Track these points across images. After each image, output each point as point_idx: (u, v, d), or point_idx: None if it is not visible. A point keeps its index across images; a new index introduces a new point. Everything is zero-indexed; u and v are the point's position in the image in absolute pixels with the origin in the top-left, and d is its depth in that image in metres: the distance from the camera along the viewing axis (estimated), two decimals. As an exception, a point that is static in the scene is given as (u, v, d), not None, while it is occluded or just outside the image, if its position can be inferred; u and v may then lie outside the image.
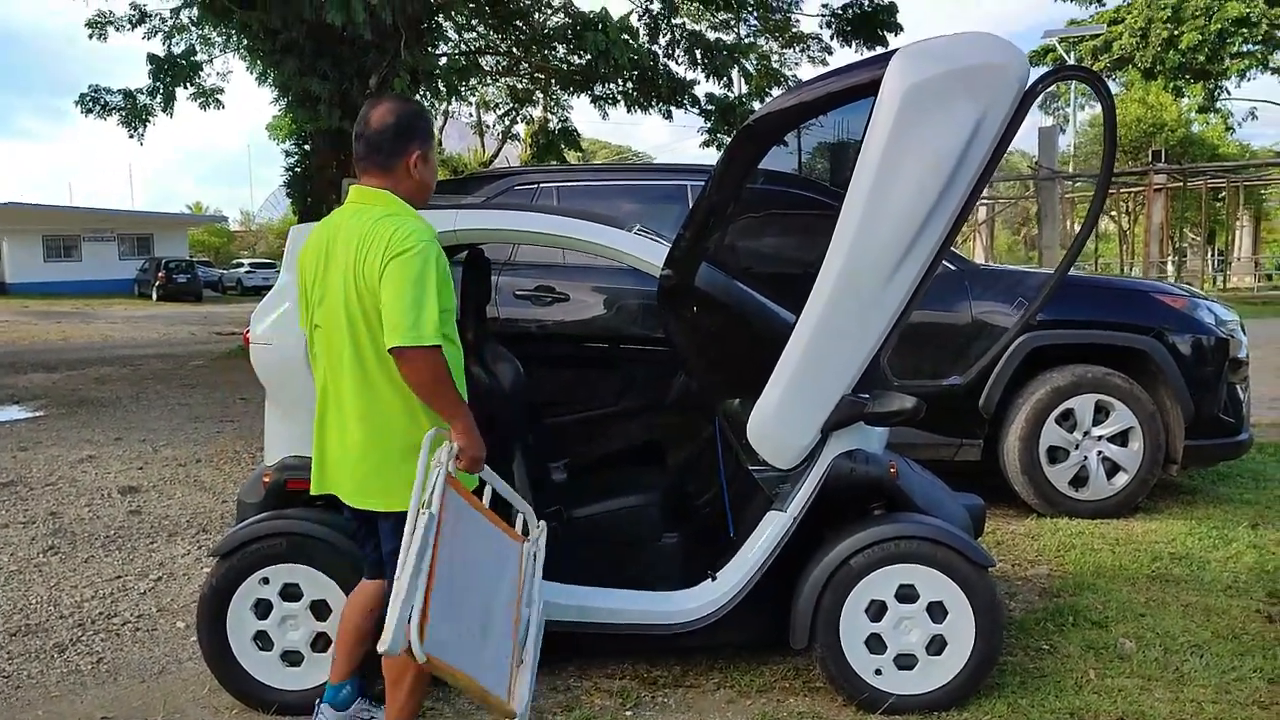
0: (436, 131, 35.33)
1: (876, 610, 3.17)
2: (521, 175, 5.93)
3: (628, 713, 3.24)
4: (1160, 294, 5.63)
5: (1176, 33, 34.44)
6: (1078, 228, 39.19)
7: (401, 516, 2.47)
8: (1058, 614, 3.96)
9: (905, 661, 3.17)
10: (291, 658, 3.24)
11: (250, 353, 3.52)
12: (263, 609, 3.23)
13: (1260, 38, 35.11)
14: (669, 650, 3.56)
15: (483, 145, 35.32)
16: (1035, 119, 37.78)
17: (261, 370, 3.48)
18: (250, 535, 3.23)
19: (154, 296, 36.96)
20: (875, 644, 3.17)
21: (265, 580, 3.22)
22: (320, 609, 3.22)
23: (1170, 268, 28.34)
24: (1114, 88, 41.45)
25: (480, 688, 2.41)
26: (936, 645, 3.16)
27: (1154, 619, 3.92)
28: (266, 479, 3.40)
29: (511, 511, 3.48)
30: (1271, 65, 38.07)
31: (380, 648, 2.21)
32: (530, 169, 6.95)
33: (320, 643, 3.23)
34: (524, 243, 3.68)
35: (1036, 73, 2.92)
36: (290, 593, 3.23)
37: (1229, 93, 38.23)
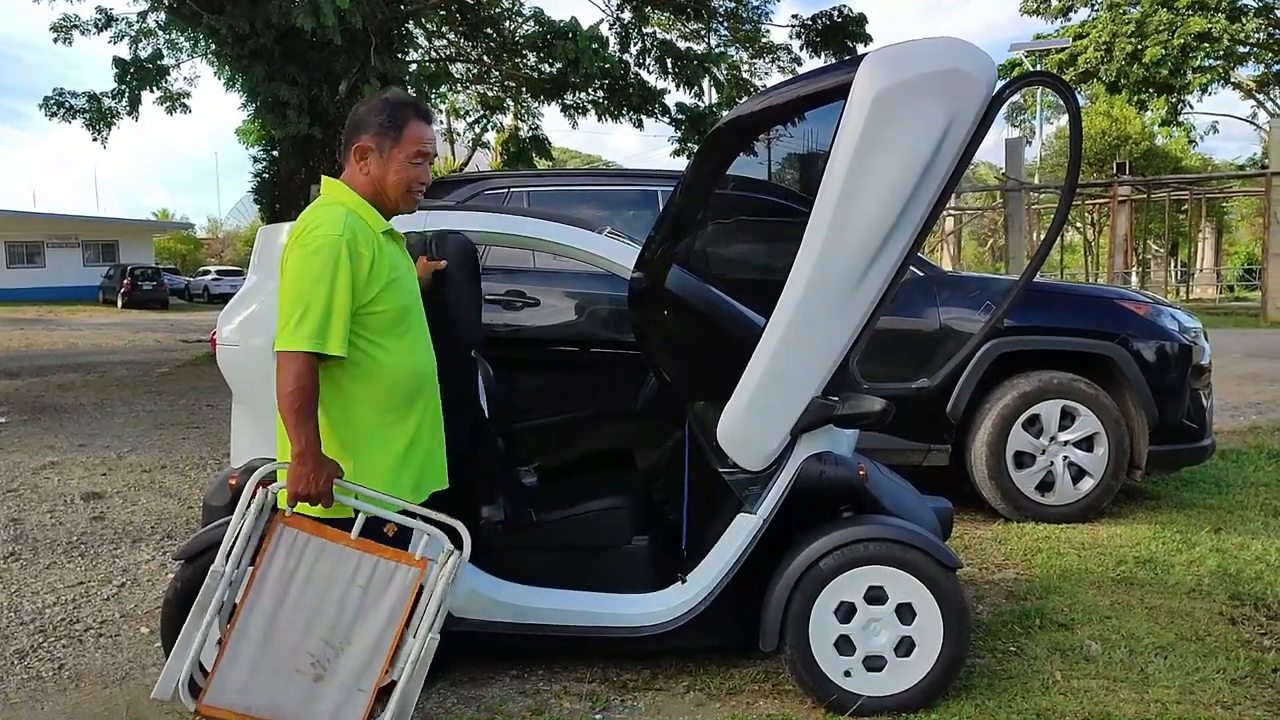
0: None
1: (845, 612, 3.18)
2: (492, 179, 5.91)
3: (596, 716, 3.23)
4: (1125, 301, 5.70)
5: (1140, 47, 35.03)
6: (1041, 238, 39.69)
7: None
8: (1024, 617, 4.00)
9: (874, 663, 3.18)
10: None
11: (217, 355, 3.48)
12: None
13: (1221, 52, 35.78)
14: (639, 654, 3.55)
15: (453, 153, 35.26)
16: (1002, 131, 38.18)
17: (228, 372, 3.45)
18: (215, 538, 3.17)
19: (119, 304, 36.51)
20: (844, 646, 3.18)
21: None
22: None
23: (1134, 279, 28.69)
24: (1079, 101, 41.96)
25: None
26: (905, 647, 3.18)
27: (1119, 621, 3.96)
28: (232, 481, 3.37)
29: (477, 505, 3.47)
30: (1233, 80, 38.78)
31: (153, 693, 2.45)
32: (501, 173, 6.95)
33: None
34: (496, 244, 3.68)
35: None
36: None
37: (1191, 106, 38.96)
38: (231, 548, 2.56)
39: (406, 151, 2.62)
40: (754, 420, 3.18)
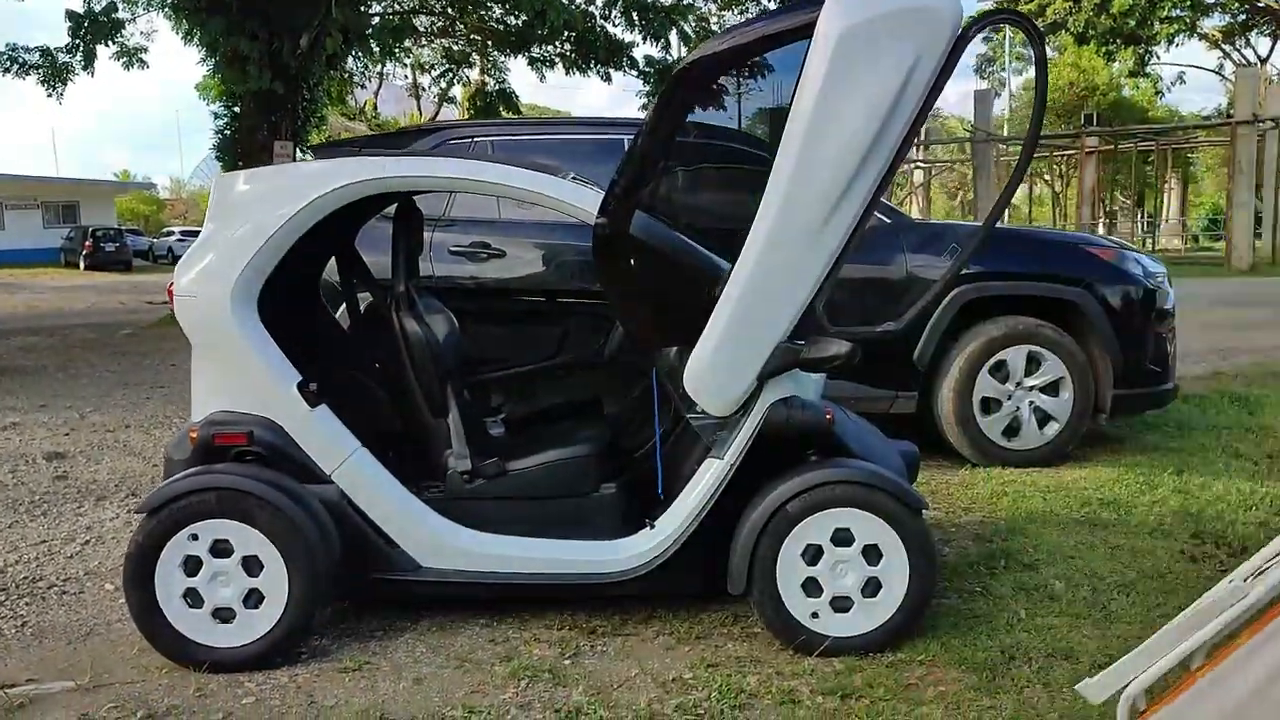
0: (372, 95, 34.64)
1: (813, 554, 3.19)
2: (456, 129, 5.82)
3: (566, 661, 3.24)
4: (1090, 246, 5.73)
5: (1108, -3, 34.98)
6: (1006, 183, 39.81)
7: None
8: (990, 558, 4.04)
9: (841, 604, 3.21)
10: (223, 614, 3.17)
11: (174, 306, 3.42)
12: (192, 566, 3.16)
13: (1189, 3, 35.80)
14: (608, 599, 3.56)
15: (419, 109, 34.79)
16: (971, 83, 38.12)
17: (187, 323, 3.39)
18: (178, 491, 3.15)
19: (81, 266, 35.93)
20: (811, 587, 3.20)
21: (194, 536, 3.15)
22: (252, 565, 3.16)
23: (1101, 230, 28.89)
24: (1048, 52, 42.00)
25: None
26: (872, 587, 3.20)
27: (1083, 561, 4.01)
28: (193, 434, 3.32)
29: (444, 456, 3.46)
30: (1199, 31, 38.87)
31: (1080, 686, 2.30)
32: (464, 123, 6.85)
33: (253, 599, 3.17)
34: (459, 190, 3.63)
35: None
36: (220, 549, 3.16)
37: (1158, 57, 39.06)
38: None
39: None
40: (720, 366, 3.16)
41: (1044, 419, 5.45)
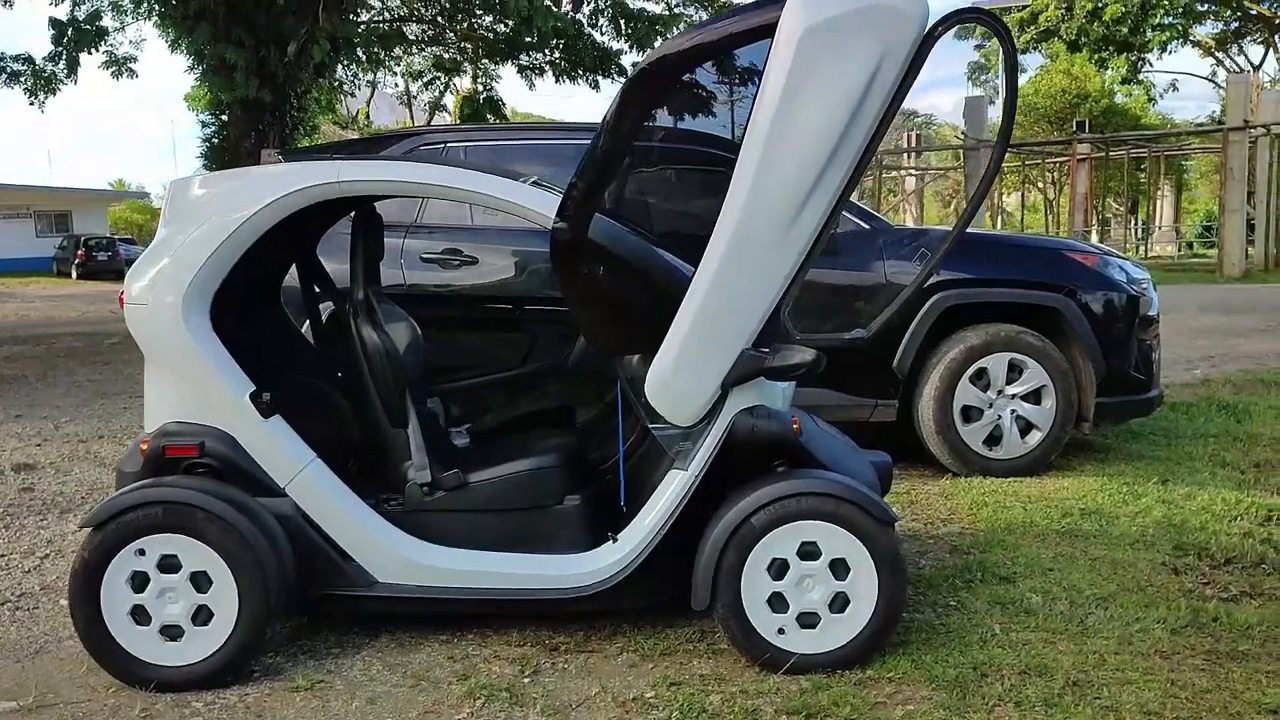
0: (364, 104, 34.54)
1: (779, 568, 3.10)
2: (428, 134, 5.74)
3: (526, 680, 3.14)
4: (1072, 252, 5.65)
5: (1100, 5, 35.04)
6: (1004, 198, 39.72)
7: None
8: (966, 570, 3.95)
9: (808, 620, 3.11)
10: (171, 632, 3.08)
11: (126, 315, 3.33)
12: (139, 582, 3.06)
13: (1181, 10, 35.84)
14: (572, 615, 3.47)
15: (411, 117, 34.73)
16: (964, 90, 38.15)
17: (138, 332, 3.30)
18: (124, 505, 3.06)
19: (74, 275, 35.79)
20: (778, 603, 3.11)
21: (141, 551, 3.05)
22: (200, 580, 3.07)
23: (1094, 237, 28.85)
24: (1039, 59, 42.23)
25: None
26: (839, 603, 3.11)
27: (1061, 573, 3.92)
28: (144, 446, 3.23)
29: (403, 467, 3.38)
30: (1192, 38, 38.93)
31: None
32: (437, 128, 6.78)
33: (201, 616, 3.07)
34: (412, 195, 3.54)
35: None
36: (168, 564, 3.06)
37: (1151, 65, 39.10)
38: None
39: None
40: (682, 374, 3.08)
41: (1026, 428, 5.36)
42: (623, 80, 17.13)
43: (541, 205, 3.19)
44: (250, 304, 3.61)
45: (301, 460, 3.26)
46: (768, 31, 2.84)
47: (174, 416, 3.27)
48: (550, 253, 3.08)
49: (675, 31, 16.54)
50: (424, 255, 5.17)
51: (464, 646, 3.38)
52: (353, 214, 3.65)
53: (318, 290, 3.95)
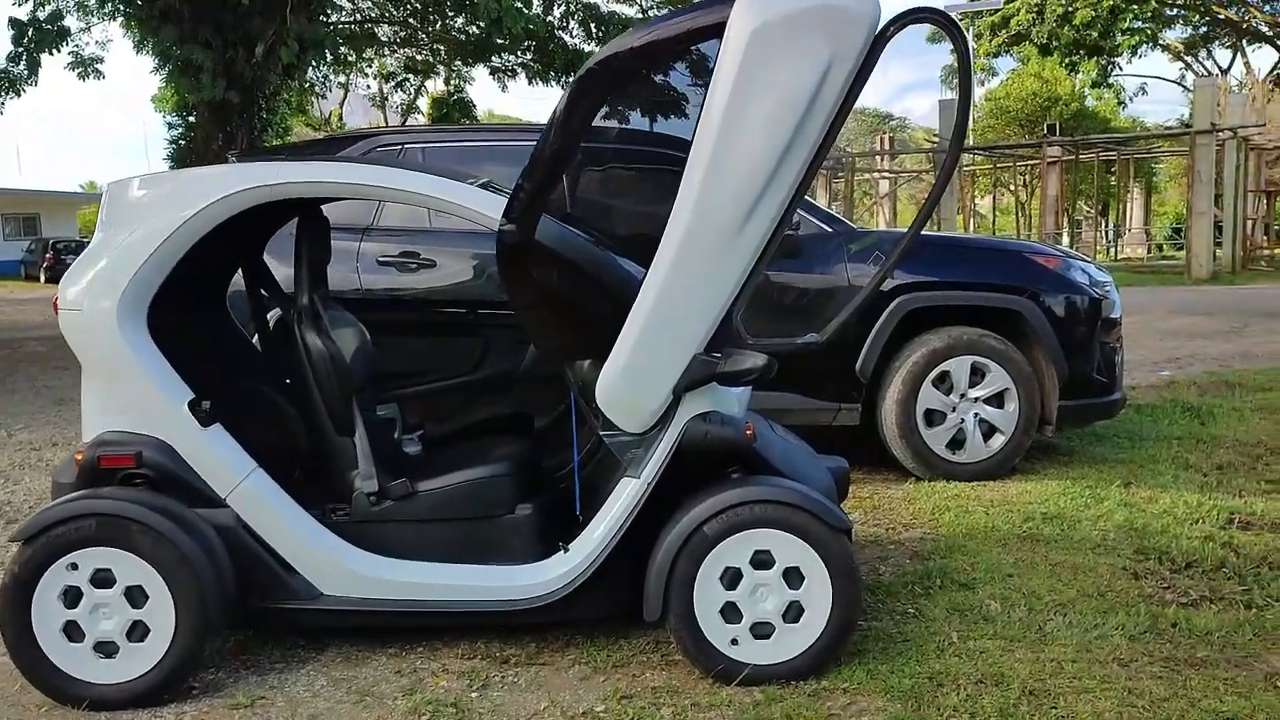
0: (337, 105, 34.31)
1: (731, 578, 3.04)
2: (384, 136, 5.64)
3: (473, 694, 3.06)
4: (1034, 254, 5.63)
5: (1071, 9, 35.29)
6: (976, 201, 39.95)
7: None
8: (926, 577, 3.90)
9: (762, 630, 3.05)
10: (105, 648, 2.98)
11: (60, 321, 3.23)
12: (71, 597, 2.97)
13: (1150, 14, 36.17)
14: (524, 627, 3.40)
15: (385, 119, 34.51)
16: (936, 93, 38.35)
17: (73, 339, 3.20)
18: (55, 518, 2.96)
19: (42, 279, 35.35)
20: (731, 613, 3.05)
21: (74, 565, 2.96)
22: (136, 595, 2.97)
23: (1065, 239, 29.02)
24: (1011, 63, 42.50)
25: None
26: (793, 612, 3.05)
27: (1021, 579, 3.88)
28: (79, 457, 3.13)
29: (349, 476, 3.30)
30: (1161, 42, 39.30)
31: None
32: (394, 129, 6.68)
33: (136, 632, 2.98)
34: (354, 197, 3.45)
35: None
36: (102, 579, 2.97)
37: (1120, 68, 39.42)
38: None
39: None
40: (633, 380, 3.01)
41: (989, 431, 5.33)
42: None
43: (487, 206, 3.12)
44: (191, 309, 3.51)
45: (242, 470, 3.17)
46: (717, 31, 2.78)
47: (111, 426, 3.17)
48: (496, 255, 3.01)
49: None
50: (381, 258, 5.08)
51: (412, 660, 3.30)
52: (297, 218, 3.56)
53: (265, 295, 3.86)
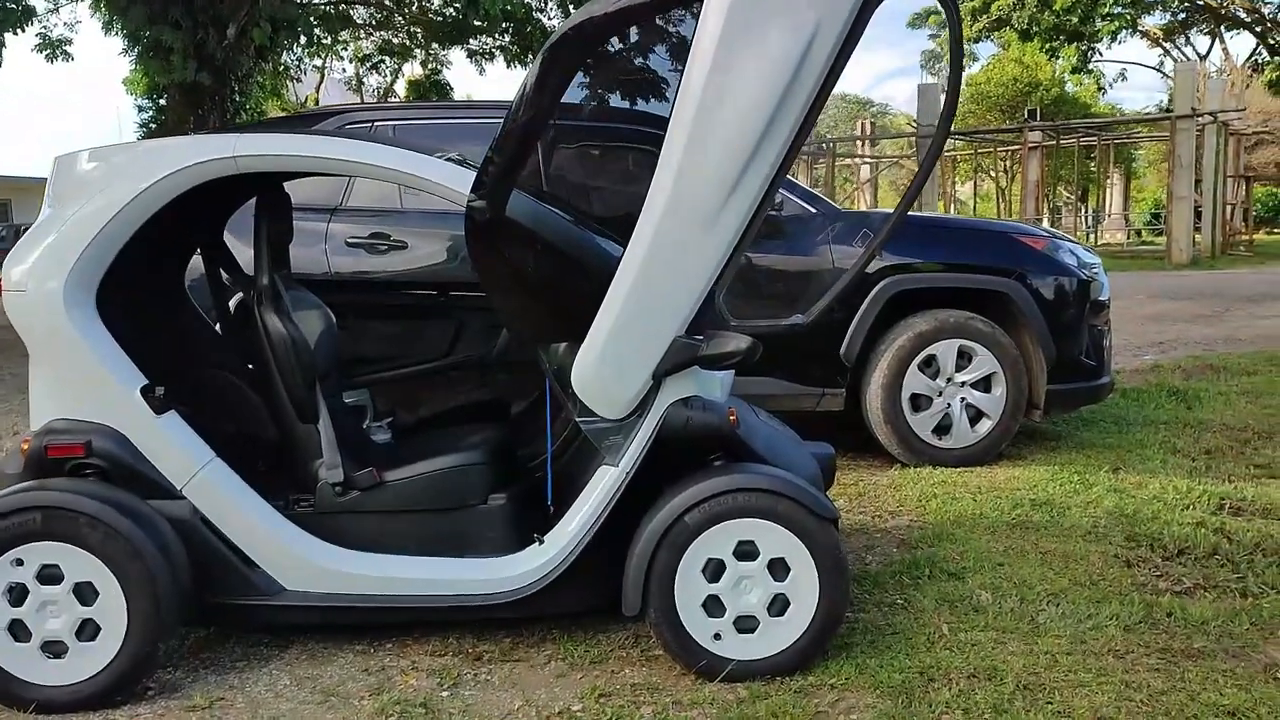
0: (313, 89, 33.87)
1: (714, 570, 2.90)
2: (354, 112, 5.46)
3: (444, 693, 2.92)
4: (1021, 235, 5.51)
5: (1051, -6, 35.16)
6: (957, 187, 39.94)
7: None
8: (914, 566, 3.78)
9: (746, 624, 2.92)
10: (53, 648, 2.82)
11: (4, 302, 3.05)
12: (17, 594, 2.80)
13: (1130, 1, 36.13)
14: (500, 621, 3.26)
15: (362, 102, 34.10)
16: (915, 77, 38.35)
17: (18, 322, 3.03)
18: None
19: (11, 265, 34.84)
20: (713, 606, 2.92)
21: (19, 561, 2.79)
22: (85, 593, 2.81)
23: (1046, 224, 29.03)
24: (992, 48, 42.47)
25: None
26: (779, 605, 2.92)
27: (1012, 568, 3.77)
28: (25, 445, 2.97)
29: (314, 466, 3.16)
30: (1140, 28, 39.31)
31: None
32: (364, 106, 6.50)
33: (86, 631, 2.82)
34: (322, 172, 3.29)
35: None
36: (49, 575, 2.80)
37: (1100, 54, 39.35)
38: None
39: None
40: (611, 364, 2.87)
41: (976, 416, 5.22)
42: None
43: (456, 182, 2.96)
44: (146, 291, 3.34)
45: (199, 459, 3.01)
46: (696, -3, 2.63)
47: (59, 413, 3.00)
48: (465, 233, 2.85)
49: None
50: (350, 239, 4.91)
51: (380, 657, 3.15)
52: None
53: (225, 276, 3.69)
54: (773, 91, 2.61)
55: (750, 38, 2.58)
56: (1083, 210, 37.68)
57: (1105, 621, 3.31)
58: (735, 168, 2.66)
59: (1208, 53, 41.87)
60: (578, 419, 3.04)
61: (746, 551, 2.90)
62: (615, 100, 3.03)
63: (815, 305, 3.04)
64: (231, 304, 3.74)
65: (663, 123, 2.71)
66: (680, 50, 2.76)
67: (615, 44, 2.92)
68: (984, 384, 5.19)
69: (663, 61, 2.90)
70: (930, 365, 5.17)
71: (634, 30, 2.89)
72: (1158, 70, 44.50)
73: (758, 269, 5.02)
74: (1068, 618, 3.34)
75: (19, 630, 2.81)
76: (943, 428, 5.22)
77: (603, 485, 2.98)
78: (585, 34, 2.78)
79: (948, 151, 30.41)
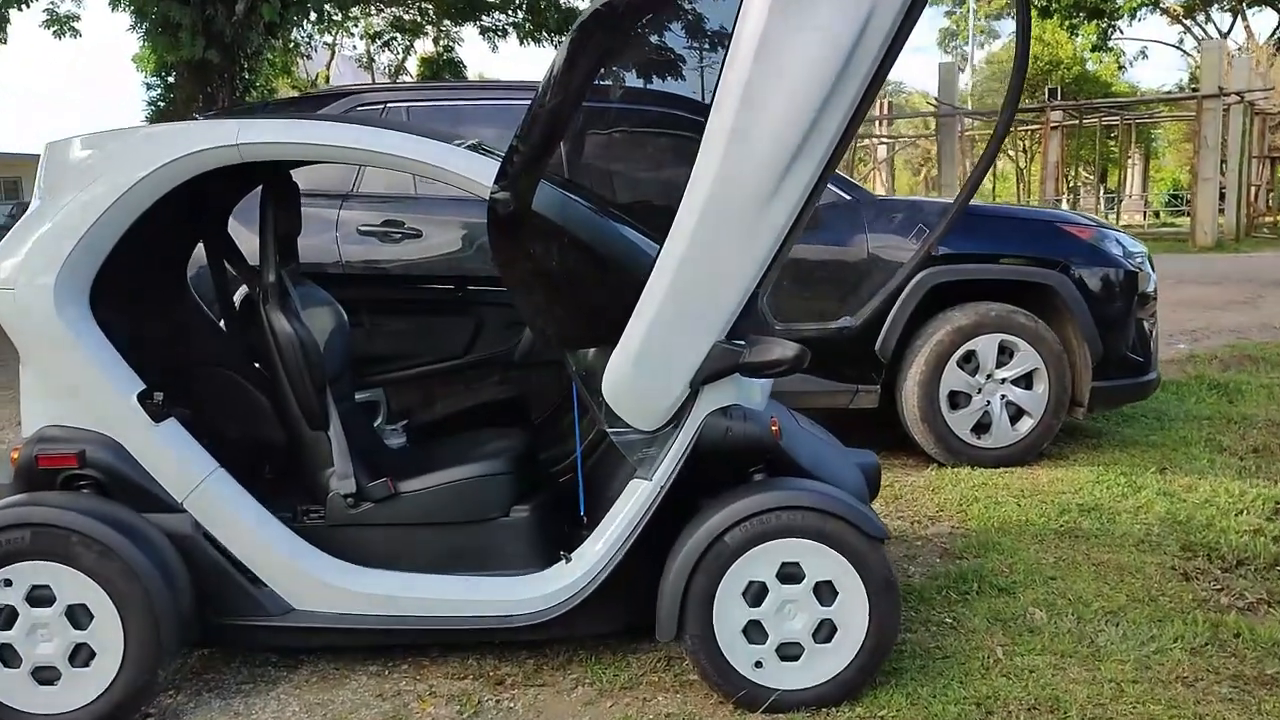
0: (324, 67, 33.70)
1: (756, 593, 2.69)
2: (366, 93, 5.23)
3: (464, 721, 2.72)
4: (1066, 224, 5.26)
5: (1071, -30, 34.60)
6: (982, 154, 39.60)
7: None
8: (961, 580, 3.56)
9: (789, 651, 2.71)
10: (45, 674, 2.63)
11: (-8, 301, 2.83)
12: (6, 618, 2.61)
13: (1150, -24, 35.57)
14: (522, 644, 3.05)
15: (373, 80, 33.81)
16: (934, 56, 37.90)
17: (7, 321, 2.81)
18: (-17, 522, 2.59)
19: (23, 243, 34.74)
20: (755, 632, 2.70)
21: (7, 582, 2.60)
22: (79, 615, 2.61)
23: (1065, 205, 28.64)
24: (1012, 25, 41.88)
25: None
26: (825, 632, 2.71)
27: (1065, 582, 3.55)
28: (14, 454, 2.77)
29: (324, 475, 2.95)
30: (1161, 5, 38.70)
31: None
32: (377, 86, 6.26)
33: (80, 655, 2.62)
34: (331, 160, 3.07)
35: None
36: (40, 596, 2.61)
37: (1121, 31, 38.81)
38: None
39: None
40: (645, 371, 2.65)
41: (1017, 414, 4.98)
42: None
43: (477, 172, 2.73)
44: (144, 286, 3.12)
45: (202, 470, 2.80)
46: (741, -31, 2.39)
47: (51, 420, 2.80)
48: (488, 226, 2.62)
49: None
50: (362, 228, 4.69)
51: (395, 681, 2.95)
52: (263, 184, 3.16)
53: (230, 271, 3.47)
54: (825, 74, 2.37)
55: (801, 17, 2.34)
56: (1101, 191, 37.21)
57: (1169, 644, 3.09)
58: (786, 155, 2.43)
59: (1229, 30, 41.19)
60: (607, 429, 2.82)
61: (791, 574, 2.68)
62: (651, 84, 2.79)
63: (865, 306, 2.82)
64: (236, 298, 3.52)
65: (703, 108, 2.48)
66: (723, 30, 2.51)
67: (652, 22, 2.68)
68: (1025, 380, 4.95)
69: (704, 42, 2.66)
70: (969, 361, 4.93)
71: (672, 7, 2.64)
72: (1178, 48, 43.90)
73: (791, 263, 4.78)
74: (1129, 639, 3.12)
75: (9, 655, 2.63)
76: (982, 426, 4.99)
77: (635, 500, 2.76)
78: (619, 11, 2.53)
79: (967, 131, 30.01)
